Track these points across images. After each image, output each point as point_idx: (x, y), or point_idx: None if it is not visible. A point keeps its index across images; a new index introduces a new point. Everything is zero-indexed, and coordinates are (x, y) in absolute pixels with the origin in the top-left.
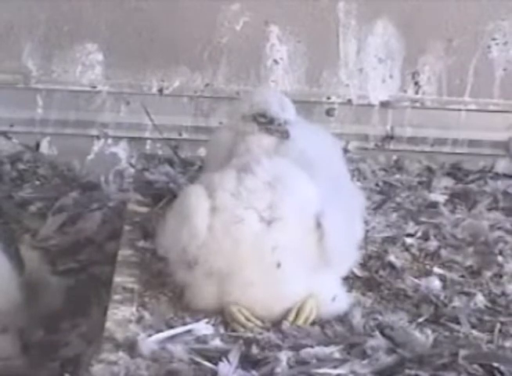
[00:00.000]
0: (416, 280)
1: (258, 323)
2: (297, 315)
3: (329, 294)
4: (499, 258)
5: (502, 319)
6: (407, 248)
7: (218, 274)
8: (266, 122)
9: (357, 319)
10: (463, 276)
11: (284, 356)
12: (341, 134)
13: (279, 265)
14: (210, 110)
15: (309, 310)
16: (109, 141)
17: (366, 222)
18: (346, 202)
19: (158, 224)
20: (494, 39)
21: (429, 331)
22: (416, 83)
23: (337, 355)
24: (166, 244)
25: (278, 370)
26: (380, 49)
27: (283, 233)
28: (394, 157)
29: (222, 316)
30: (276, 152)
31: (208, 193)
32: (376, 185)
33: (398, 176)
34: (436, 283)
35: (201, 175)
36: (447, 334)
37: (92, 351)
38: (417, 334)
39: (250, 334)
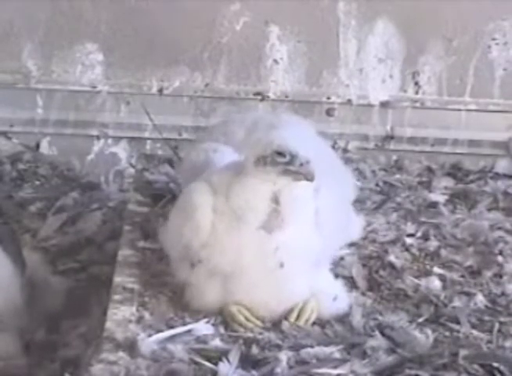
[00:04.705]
0: (416, 280)
1: (258, 323)
2: (298, 315)
3: (331, 295)
4: (499, 258)
5: (502, 319)
6: (407, 248)
7: (221, 274)
8: None
9: (357, 319)
10: (463, 276)
11: (284, 356)
12: (341, 134)
13: (282, 265)
14: (211, 110)
15: (310, 311)
16: (110, 141)
17: (367, 222)
18: (341, 194)
19: (159, 223)
20: (494, 39)
21: (429, 331)
22: (416, 83)
23: (337, 355)
24: (168, 241)
25: (278, 370)
26: (380, 49)
27: (284, 234)
28: (394, 157)
29: (222, 316)
30: None
31: (212, 191)
32: (376, 185)
33: (398, 176)
34: (436, 283)
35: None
36: (447, 334)
37: (92, 351)
38: (417, 334)
39: (250, 334)
